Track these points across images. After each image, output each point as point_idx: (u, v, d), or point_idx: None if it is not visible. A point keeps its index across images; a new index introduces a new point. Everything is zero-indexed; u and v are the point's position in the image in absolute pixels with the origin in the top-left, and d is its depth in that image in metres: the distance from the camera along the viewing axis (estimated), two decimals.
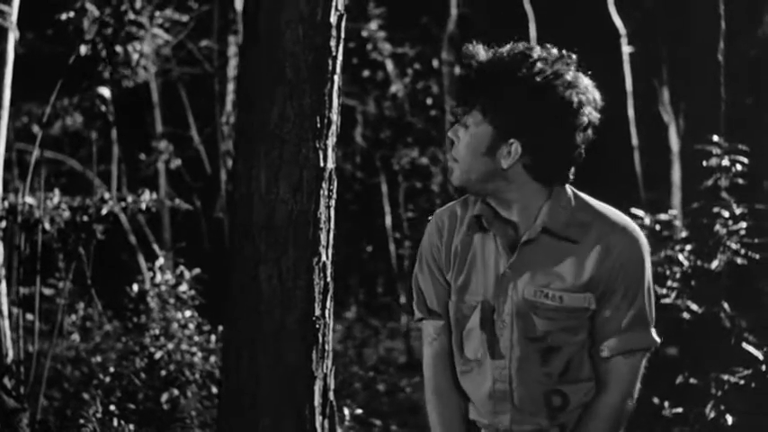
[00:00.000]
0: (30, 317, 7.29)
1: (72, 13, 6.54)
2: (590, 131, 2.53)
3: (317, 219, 4.14)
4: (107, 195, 6.74)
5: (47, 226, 6.46)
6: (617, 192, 14.90)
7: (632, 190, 12.88)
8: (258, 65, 4.16)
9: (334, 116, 4.19)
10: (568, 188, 2.59)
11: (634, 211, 6.52)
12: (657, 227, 6.65)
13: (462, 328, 2.67)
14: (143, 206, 6.72)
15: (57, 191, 6.86)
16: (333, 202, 4.21)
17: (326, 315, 4.19)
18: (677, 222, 6.69)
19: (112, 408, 5.77)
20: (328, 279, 4.20)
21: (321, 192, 4.14)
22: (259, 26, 4.16)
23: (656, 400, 6.35)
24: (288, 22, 4.11)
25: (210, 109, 10.83)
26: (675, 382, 6.06)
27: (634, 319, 2.53)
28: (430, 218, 2.82)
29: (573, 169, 2.54)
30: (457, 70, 12.80)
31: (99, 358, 7.04)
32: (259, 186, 4.11)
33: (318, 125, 4.12)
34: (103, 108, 6.69)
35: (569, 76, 2.47)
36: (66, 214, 6.67)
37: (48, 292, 8.55)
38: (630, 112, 12.94)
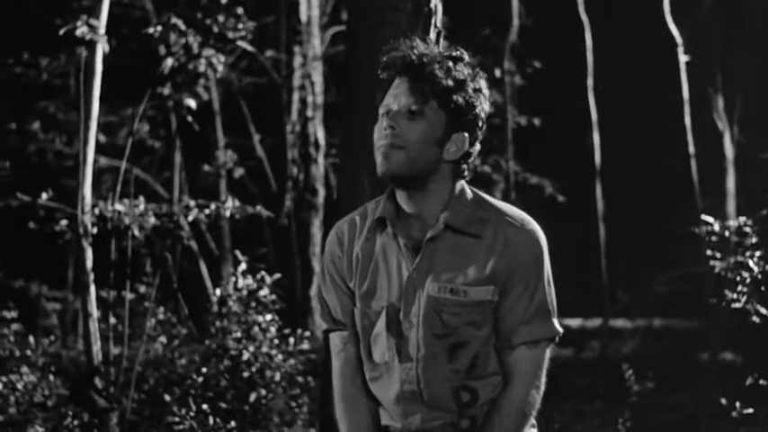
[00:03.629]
0: (112, 320, 7.56)
1: (160, 27, 6.81)
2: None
3: None
4: (192, 203, 6.99)
5: (136, 232, 6.70)
6: (673, 199, 15.01)
7: (689, 197, 12.97)
8: (360, 78, 4.39)
9: None
10: (466, 186, 2.65)
11: (704, 217, 6.66)
12: (726, 233, 6.78)
13: (369, 335, 2.67)
14: (227, 213, 6.95)
15: (142, 198, 7.10)
16: None
17: None
18: (747, 229, 6.83)
19: (204, 407, 6.01)
20: None
21: None
22: (360, 41, 4.39)
23: (723, 401, 6.48)
24: (390, 39, 4.31)
25: (278, 118, 11.10)
26: (745, 384, 6.20)
27: (536, 310, 2.56)
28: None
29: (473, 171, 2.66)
30: (518, 80, 13.02)
31: (183, 360, 7.29)
32: (363, 193, 4.33)
33: None
34: (189, 118, 6.94)
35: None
36: (152, 221, 6.91)
37: (129, 296, 8.84)
38: (687, 120, 13.05)
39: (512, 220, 2.57)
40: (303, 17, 11.27)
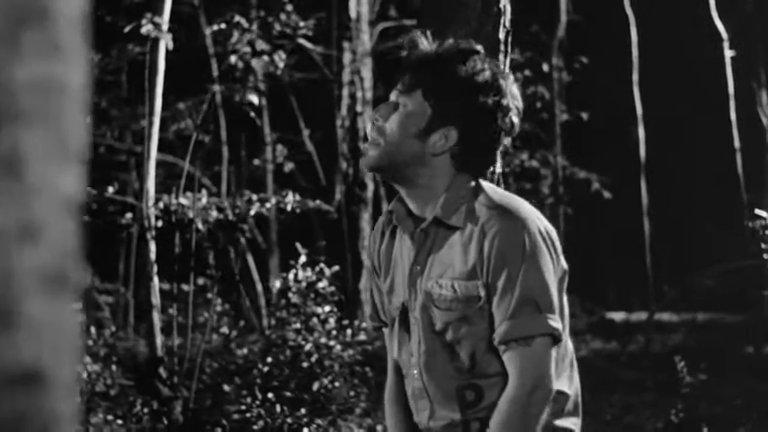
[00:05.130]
0: (171, 311, 7.75)
1: (224, 25, 6.99)
2: (511, 136, 2.57)
3: None
4: (254, 196, 7.16)
5: (200, 225, 6.87)
6: (718, 193, 15.03)
7: (733, 192, 13.01)
8: None
9: None
10: (474, 180, 2.51)
11: (758, 212, 6.74)
12: None
13: (393, 331, 2.64)
14: (288, 207, 7.12)
15: (204, 192, 7.27)
16: None
17: None
18: None
19: (270, 395, 6.17)
20: None
21: None
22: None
23: None
24: (459, 38, 4.48)
25: (328, 114, 11.26)
26: None
27: (519, 305, 2.38)
28: None
29: (491, 167, 2.61)
30: (565, 75, 13.12)
31: (245, 350, 7.46)
32: None
33: None
34: (252, 114, 7.11)
35: (508, 81, 2.53)
36: (215, 214, 7.07)
37: (186, 287, 9.03)
38: (733, 115, 13.09)
39: (494, 210, 2.42)
40: (353, 13, 11.43)
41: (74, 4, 0.80)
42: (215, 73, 11.48)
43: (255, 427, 5.87)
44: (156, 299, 6.53)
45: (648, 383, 9.86)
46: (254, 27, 6.80)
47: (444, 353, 2.48)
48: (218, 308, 8.46)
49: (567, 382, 2.51)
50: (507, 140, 2.56)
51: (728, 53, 13.30)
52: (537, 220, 2.46)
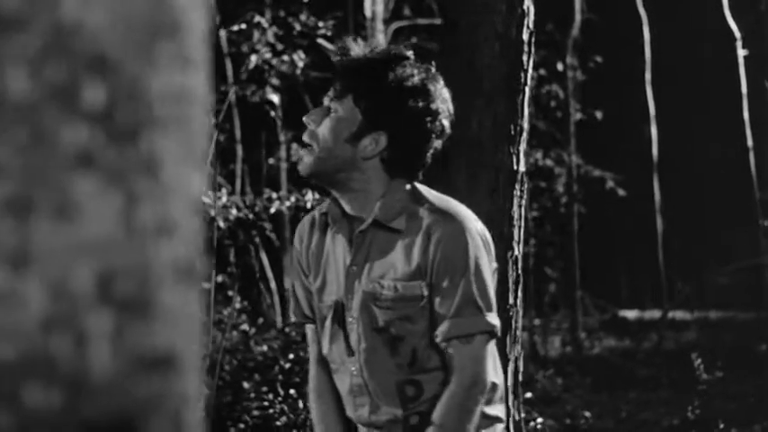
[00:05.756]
0: None
1: (244, 25, 7.06)
2: (442, 139, 2.63)
3: (511, 216, 4.56)
4: (274, 195, 7.24)
5: (221, 224, 6.95)
6: (731, 192, 15.06)
7: (746, 190, 13.05)
8: (457, 77, 4.60)
9: (525, 123, 4.62)
10: (410, 184, 2.59)
11: None
12: None
13: (323, 328, 2.67)
14: (308, 205, 7.19)
15: (224, 191, 7.34)
16: (524, 202, 4.63)
17: (518, 303, 4.61)
18: None
19: (291, 391, 6.24)
20: (519, 271, 4.61)
21: (514, 192, 4.56)
22: (459, 42, 4.61)
23: None
24: (485, 39, 4.56)
25: None
26: None
27: (464, 304, 2.48)
28: None
29: (422, 170, 2.63)
30: (579, 74, 13.16)
31: (264, 347, 7.53)
32: (458, 187, 4.55)
33: (512, 132, 4.55)
34: (272, 113, 7.18)
35: (438, 85, 2.61)
36: (234, 212, 7.15)
37: (206, 285, 9.12)
38: (745, 114, 13.12)
39: (436, 214, 2.50)
40: (368, 13, 11.49)
41: (199, 18, 0.87)
42: (229, 73, 11.54)
43: (278, 423, 5.94)
44: None
45: (663, 380, 9.91)
46: (274, 27, 6.86)
47: (385, 350, 2.56)
48: (237, 305, 8.53)
49: (495, 373, 2.60)
50: (438, 143, 2.63)
51: (741, 52, 13.33)
52: (475, 222, 2.55)
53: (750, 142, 13.19)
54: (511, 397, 4.62)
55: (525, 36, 4.59)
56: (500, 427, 2.67)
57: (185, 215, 0.85)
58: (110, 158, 0.81)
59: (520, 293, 4.63)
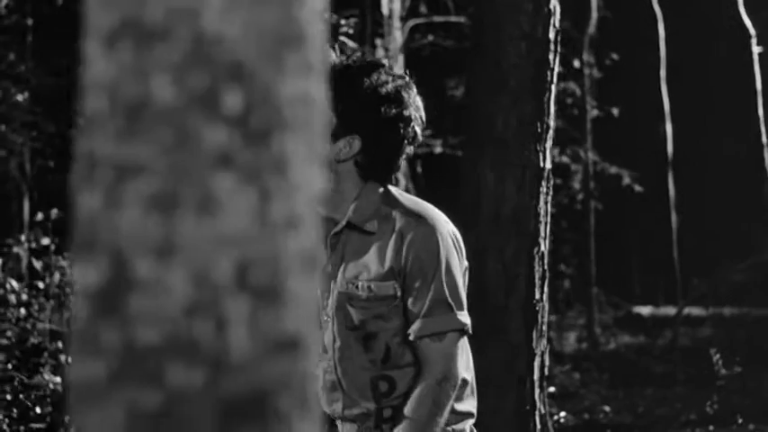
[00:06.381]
0: None
1: None
2: (414, 145, 2.69)
3: (537, 213, 4.64)
4: None
5: None
6: (745, 189, 15.11)
7: (761, 187, 13.09)
8: (484, 76, 4.68)
9: (551, 122, 4.69)
10: (383, 186, 2.67)
11: None
12: None
13: None
14: None
15: None
16: (550, 198, 4.71)
17: (544, 299, 4.69)
18: None
19: None
20: (545, 267, 4.69)
21: (540, 189, 4.64)
22: (485, 41, 4.68)
23: None
24: (511, 39, 4.63)
25: None
26: None
27: (433, 304, 2.55)
28: None
29: (394, 173, 2.70)
30: (596, 72, 13.22)
31: None
32: (485, 185, 4.63)
33: (539, 130, 4.62)
34: None
35: (411, 93, 2.65)
36: None
37: None
38: (760, 111, 13.16)
39: (409, 216, 2.58)
40: (385, 10, 11.56)
41: (320, 29, 0.95)
42: None
43: None
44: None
45: (679, 377, 9.96)
46: None
47: (359, 347, 2.63)
48: None
49: (466, 369, 2.66)
50: (410, 149, 2.69)
51: (756, 49, 13.37)
52: (446, 224, 2.62)
53: (764, 139, 13.22)
54: (537, 390, 4.70)
55: (551, 35, 4.67)
56: (470, 422, 2.72)
57: (309, 210, 0.92)
58: (246, 158, 0.88)
59: (545, 289, 4.71)
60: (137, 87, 0.89)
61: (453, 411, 2.62)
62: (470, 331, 2.62)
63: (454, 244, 2.61)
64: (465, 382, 2.66)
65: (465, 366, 2.65)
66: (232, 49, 0.88)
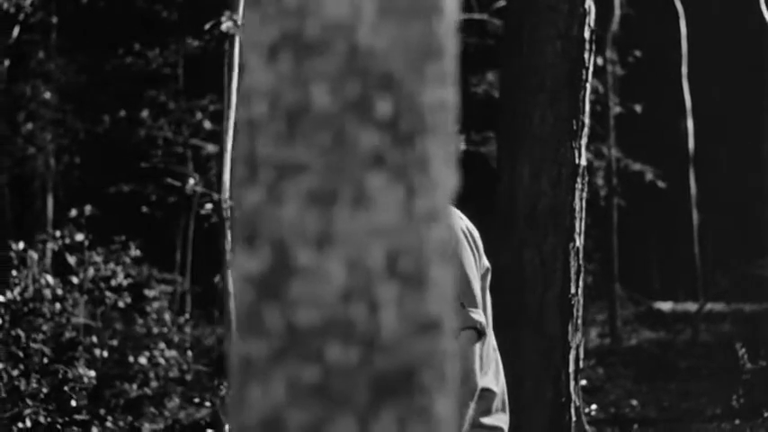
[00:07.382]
0: None
1: None
2: None
3: (573, 209, 4.73)
4: None
5: None
6: (764, 184, 15.14)
7: None
8: (521, 75, 4.78)
9: (586, 119, 4.78)
10: None
11: None
12: None
13: None
14: None
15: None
16: (585, 195, 4.80)
17: (579, 293, 4.79)
18: None
19: None
20: (580, 262, 4.79)
21: (576, 185, 4.73)
22: (522, 41, 4.78)
23: None
24: (548, 38, 4.73)
25: None
26: None
27: None
28: None
29: None
30: (618, 69, 13.29)
31: None
32: (522, 181, 4.72)
33: (574, 127, 4.72)
34: None
35: None
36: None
37: None
38: None
39: None
40: None
41: (455, 42, 1.05)
42: None
43: None
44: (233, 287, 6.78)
45: (703, 371, 10.03)
46: None
47: None
48: None
49: (493, 379, 2.53)
50: None
51: None
52: (459, 219, 2.53)
53: None
54: (572, 383, 4.80)
55: (587, 34, 4.76)
56: None
57: (444, 204, 1.03)
58: (395, 159, 0.99)
59: (581, 283, 4.80)
60: (296, 95, 0.99)
61: (480, 425, 2.47)
62: (484, 331, 2.45)
63: (467, 239, 2.51)
64: (490, 392, 2.51)
65: (493, 378, 2.53)
66: (383, 60, 0.99)
